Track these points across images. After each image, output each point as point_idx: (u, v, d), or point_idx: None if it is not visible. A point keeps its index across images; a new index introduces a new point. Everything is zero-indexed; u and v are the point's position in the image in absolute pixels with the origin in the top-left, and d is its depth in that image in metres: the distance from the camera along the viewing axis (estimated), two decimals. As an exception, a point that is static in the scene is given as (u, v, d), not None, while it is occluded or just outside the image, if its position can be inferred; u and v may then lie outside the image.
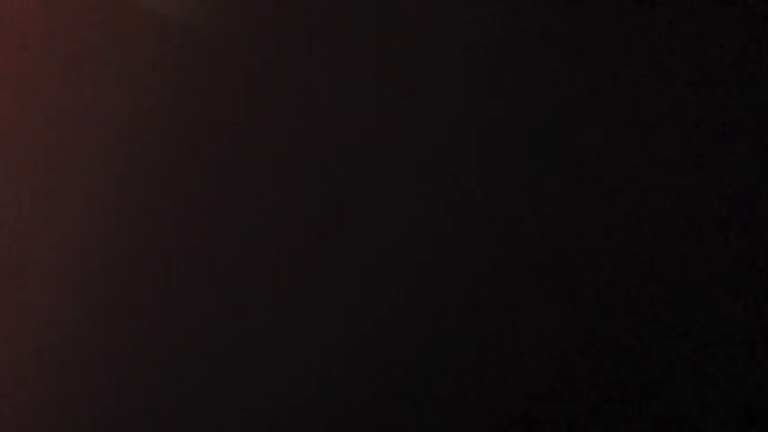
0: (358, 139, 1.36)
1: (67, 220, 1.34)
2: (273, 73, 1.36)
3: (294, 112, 1.36)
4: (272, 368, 1.34)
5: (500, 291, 1.35)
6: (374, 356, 1.35)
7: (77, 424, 1.33)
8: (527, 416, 1.34)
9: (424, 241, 1.36)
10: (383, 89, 1.36)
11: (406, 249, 1.36)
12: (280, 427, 1.34)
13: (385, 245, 1.35)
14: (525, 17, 1.36)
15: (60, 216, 1.34)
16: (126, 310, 1.34)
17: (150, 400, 1.33)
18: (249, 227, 1.35)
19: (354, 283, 1.35)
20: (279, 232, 1.35)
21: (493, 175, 1.36)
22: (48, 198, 1.34)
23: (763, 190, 1.35)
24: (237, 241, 1.35)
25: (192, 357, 1.34)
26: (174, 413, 1.33)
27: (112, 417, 1.33)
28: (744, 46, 1.36)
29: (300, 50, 1.36)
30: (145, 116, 1.35)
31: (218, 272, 1.35)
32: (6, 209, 1.33)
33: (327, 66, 1.36)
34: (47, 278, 1.33)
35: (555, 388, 1.34)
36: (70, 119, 1.34)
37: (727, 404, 1.33)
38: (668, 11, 1.36)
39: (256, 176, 1.36)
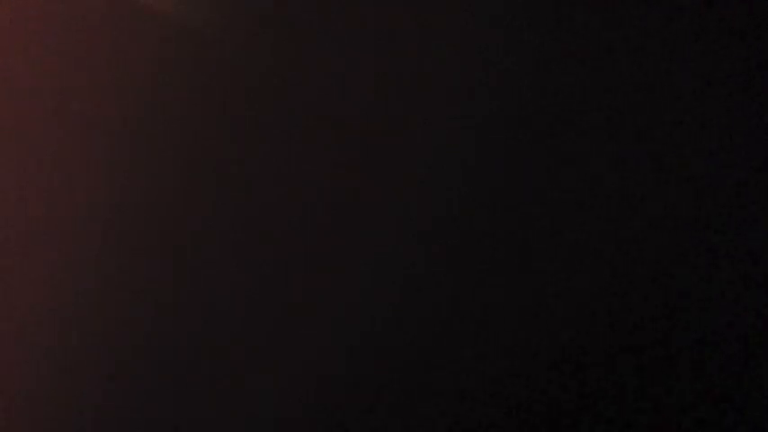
0: (358, 138, 1.36)
1: (68, 220, 1.34)
2: (273, 73, 1.36)
3: (294, 112, 1.36)
4: (272, 368, 1.34)
5: (501, 291, 1.35)
6: (375, 357, 1.35)
7: (77, 424, 1.33)
8: (528, 416, 1.34)
9: (426, 241, 1.36)
10: (383, 89, 1.36)
11: (407, 249, 1.36)
12: (280, 428, 1.34)
13: (386, 245, 1.35)
14: (526, 17, 1.36)
15: (61, 216, 1.34)
16: (126, 311, 1.34)
17: (150, 401, 1.33)
18: (249, 226, 1.35)
19: (355, 283, 1.35)
20: (279, 232, 1.35)
21: (494, 175, 1.36)
22: (48, 198, 1.34)
23: (764, 190, 1.35)
24: (237, 241, 1.35)
25: (193, 357, 1.34)
26: (174, 413, 1.34)
27: (113, 417, 1.33)
28: (744, 46, 1.36)
29: (301, 50, 1.36)
30: (145, 116, 1.35)
31: (218, 273, 1.35)
32: (7, 209, 1.33)
33: (328, 66, 1.36)
34: (47, 278, 1.33)
35: (557, 388, 1.34)
36: (70, 119, 1.35)
37: (726, 404, 1.33)
38: (668, 10, 1.36)
39: (257, 177, 1.36)
